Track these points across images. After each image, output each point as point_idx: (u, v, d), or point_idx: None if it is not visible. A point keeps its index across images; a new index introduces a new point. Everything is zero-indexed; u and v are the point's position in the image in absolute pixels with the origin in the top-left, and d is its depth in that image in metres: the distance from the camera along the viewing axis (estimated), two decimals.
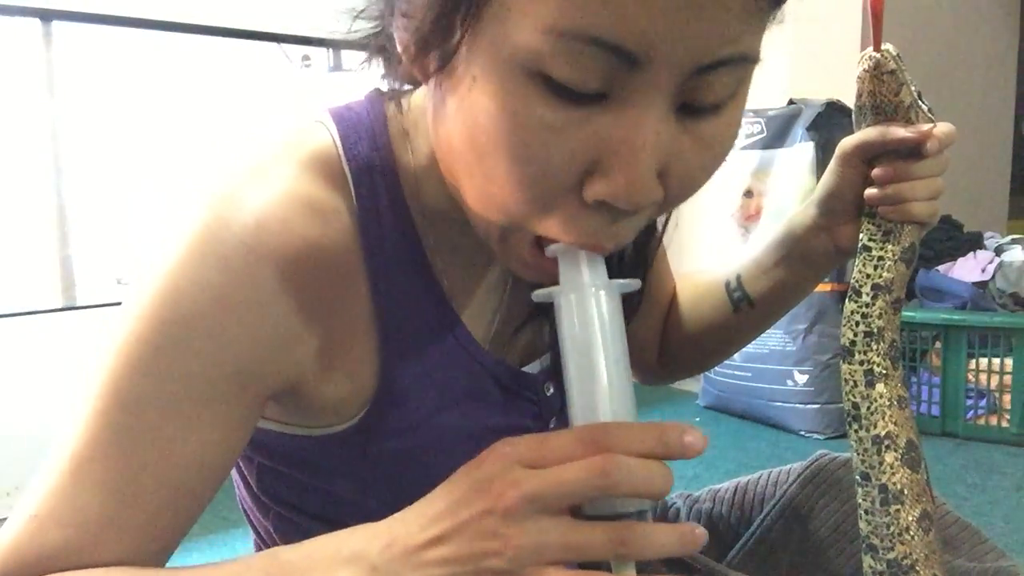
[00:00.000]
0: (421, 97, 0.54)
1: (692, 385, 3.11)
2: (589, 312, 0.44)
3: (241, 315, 0.46)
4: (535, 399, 0.62)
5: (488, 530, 0.40)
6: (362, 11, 0.52)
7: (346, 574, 0.43)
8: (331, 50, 4.23)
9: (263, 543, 0.65)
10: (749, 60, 0.41)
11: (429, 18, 0.42)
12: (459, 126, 0.43)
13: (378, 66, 0.54)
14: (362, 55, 0.54)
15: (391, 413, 0.53)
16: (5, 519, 0.47)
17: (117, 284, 3.40)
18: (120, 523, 0.46)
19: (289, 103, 3.93)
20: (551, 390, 0.63)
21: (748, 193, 2.84)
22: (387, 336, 0.52)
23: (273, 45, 3.01)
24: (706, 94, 0.41)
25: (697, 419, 2.90)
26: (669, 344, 0.82)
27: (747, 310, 0.75)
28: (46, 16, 2.31)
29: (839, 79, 2.63)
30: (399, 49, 0.47)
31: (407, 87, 0.56)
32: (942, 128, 0.62)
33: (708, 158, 0.44)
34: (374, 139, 0.53)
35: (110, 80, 2.45)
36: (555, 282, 0.46)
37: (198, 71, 2.57)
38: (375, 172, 0.52)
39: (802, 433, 2.68)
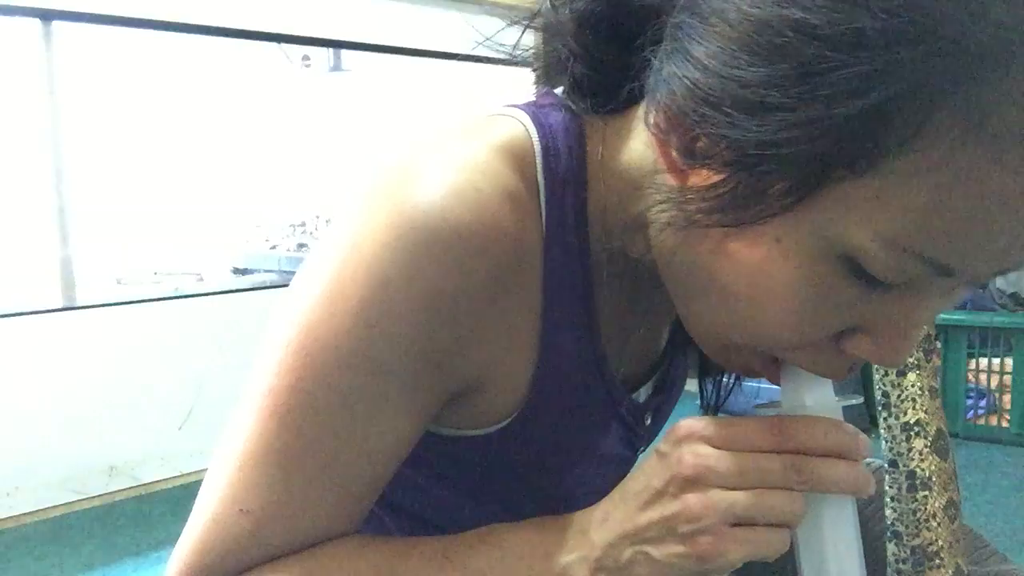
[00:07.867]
0: (623, 132, 0.50)
1: (691, 385, 3.10)
2: None
3: (452, 307, 0.46)
4: (636, 428, 0.61)
5: (673, 495, 0.43)
6: (531, 19, 0.51)
7: (569, 556, 0.46)
8: (331, 50, 4.23)
9: None
10: None
11: (774, 172, 0.38)
12: (731, 262, 0.42)
13: (561, 86, 0.52)
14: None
15: (530, 424, 0.53)
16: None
17: (117, 284, 3.40)
18: (326, 512, 0.47)
19: (289, 103, 3.93)
20: (649, 420, 0.63)
21: None
22: (545, 350, 0.51)
23: (273, 45, 3.01)
24: None
25: None
26: None
27: None
28: (46, 16, 2.31)
29: None
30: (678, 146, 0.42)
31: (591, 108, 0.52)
32: None
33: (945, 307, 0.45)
34: (571, 158, 0.50)
35: (110, 80, 2.45)
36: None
37: (198, 71, 2.57)
38: (568, 192, 0.49)
39: None
